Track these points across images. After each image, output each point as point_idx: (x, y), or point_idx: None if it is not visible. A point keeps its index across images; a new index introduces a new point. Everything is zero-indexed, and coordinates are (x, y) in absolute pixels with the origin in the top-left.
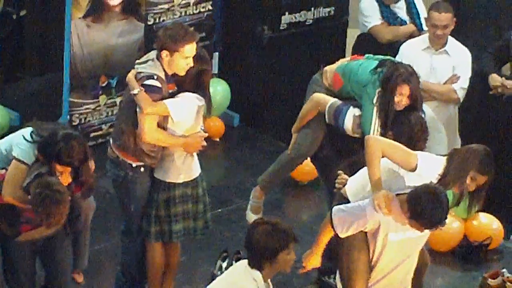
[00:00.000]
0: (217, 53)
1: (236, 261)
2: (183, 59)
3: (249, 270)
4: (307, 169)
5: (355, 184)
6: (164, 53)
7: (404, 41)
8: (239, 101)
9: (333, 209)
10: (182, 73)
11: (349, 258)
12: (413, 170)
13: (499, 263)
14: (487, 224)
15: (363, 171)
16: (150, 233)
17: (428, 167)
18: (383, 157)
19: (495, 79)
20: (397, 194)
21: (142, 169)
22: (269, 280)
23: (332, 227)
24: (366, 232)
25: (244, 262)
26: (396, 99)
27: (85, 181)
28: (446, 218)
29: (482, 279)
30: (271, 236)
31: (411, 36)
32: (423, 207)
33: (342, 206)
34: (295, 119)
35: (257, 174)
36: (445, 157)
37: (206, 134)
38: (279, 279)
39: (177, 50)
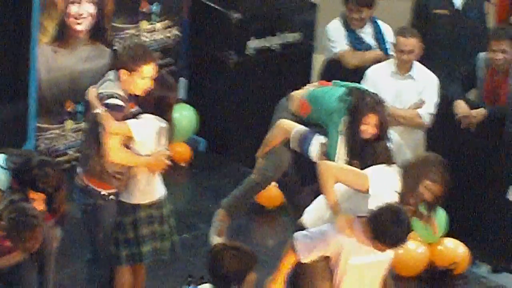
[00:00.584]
0: (183, 79)
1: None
2: (141, 79)
3: None
4: (273, 194)
5: (312, 215)
6: (123, 72)
7: (370, 66)
8: (206, 126)
9: (294, 235)
10: (139, 93)
11: (312, 287)
12: (367, 191)
13: None
14: (453, 249)
15: (319, 201)
16: (121, 257)
17: (382, 185)
18: (337, 182)
19: (460, 106)
20: (358, 217)
21: (111, 197)
22: None
23: (294, 252)
24: (328, 259)
25: (208, 286)
26: (362, 128)
27: (58, 209)
28: (407, 236)
29: None
30: (238, 260)
31: (378, 61)
32: (384, 226)
33: (304, 232)
34: (261, 144)
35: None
36: (400, 172)
37: (169, 153)
38: None
39: (135, 69)
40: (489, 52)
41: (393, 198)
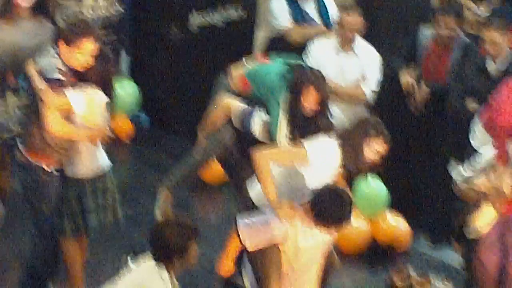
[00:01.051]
0: (126, 55)
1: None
2: (82, 55)
3: (156, 270)
4: (215, 170)
5: (256, 189)
6: (63, 46)
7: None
8: (149, 102)
9: (238, 221)
10: (80, 68)
11: (264, 270)
12: (308, 163)
13: (406, 263)
14: (395, 225)
15: None
16: (66, 230)
17: (322, 156)
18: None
19: (405, 76)
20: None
21: (55, 172)
22: (174, 279)
23: (240, 239)
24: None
25: (151, 261)
26: (304, 104)
27: (1, 185)
28: (350, 215)
29: (389, 280)
30: (180, 233)
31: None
32: (327, 208)
33: (247, 220)
34: (203, 120)
35: (166, 176)
36: (340, 141)
37: (111, 126)
38: (186, 280)
39: (75, 43)
40: (435, 26)
41: (335, 167)
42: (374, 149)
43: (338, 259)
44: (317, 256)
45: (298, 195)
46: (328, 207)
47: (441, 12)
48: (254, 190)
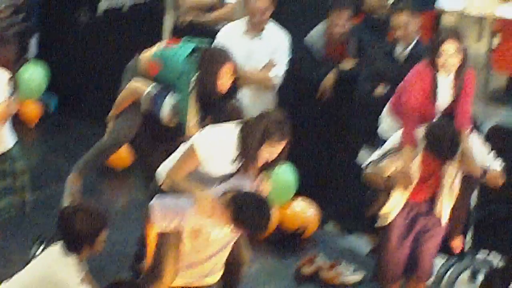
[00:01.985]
0: (35, 37)
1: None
2: None
3: (63, 256)
4: (123, 155)
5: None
6: None
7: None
8: (58, 84)
9: (153, 202)
10: None
11: (161, 253)
12: (200, 159)
13: (314, 250)
14: (302, 211)
15: (172, 158)
16: None
17: (214, 148)
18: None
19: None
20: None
21: None
22: (83, 262)
23: (150, 221)
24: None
25: (57, 247)
26: (220, 81)
27: None
28: (268, 223)
29: (297, 266)
30: (90, 220)
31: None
32: (248, 216)
33: (161, 200)
34: (112, 104)
35: (74, 160)
36: (240, 132)
37: (16, 104)
38: (94, 264)
39: None
40: (327, 23)
41: (228, 158)
42: (272, 150)
43: (248, 256)
44: (224, 246)
45: (206, 183)
46: (250, 216)
47: (336, 7)
48: (162, 175)
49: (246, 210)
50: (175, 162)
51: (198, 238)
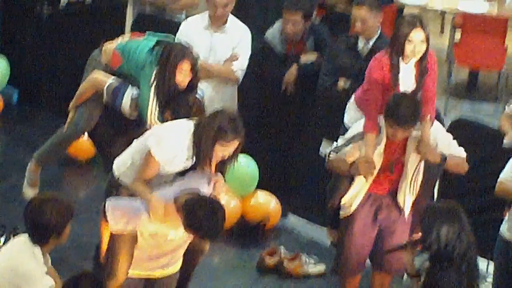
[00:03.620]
0: None
1: (13, 237)
2: None
3: (29, 246)
4: (85, 146)
5: (122, 167)
6: None
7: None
8: (19, 77)
9: (108, 202)
10: None
11: (113, 249)
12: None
13: (276, 241)
14: (265, 203)
15: (129, 151)
16: None
17: (169, 149)
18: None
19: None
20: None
21: None
22: (48, 255)
23: (106, 221)
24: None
25: (23, 237)
26: (178, 77)
27: None
28: (221, 230)
29: (259, 257)
30: (59, 211)
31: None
32: (199, 223)
33: (116, 202)
34: (73, 96)
35: (36, 151)
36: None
37: None
38: (57, 256)
39: None
40: (282, 22)
41: (184, 156)
42: (226, 149)
43: (207, 244)
44: (185, 242)
45: (161, 181)
46: (202, 221)
47: (288, 7)
48: (121, 169)
49: (198, 216)
50: (137, 173)
51: (155, 238)
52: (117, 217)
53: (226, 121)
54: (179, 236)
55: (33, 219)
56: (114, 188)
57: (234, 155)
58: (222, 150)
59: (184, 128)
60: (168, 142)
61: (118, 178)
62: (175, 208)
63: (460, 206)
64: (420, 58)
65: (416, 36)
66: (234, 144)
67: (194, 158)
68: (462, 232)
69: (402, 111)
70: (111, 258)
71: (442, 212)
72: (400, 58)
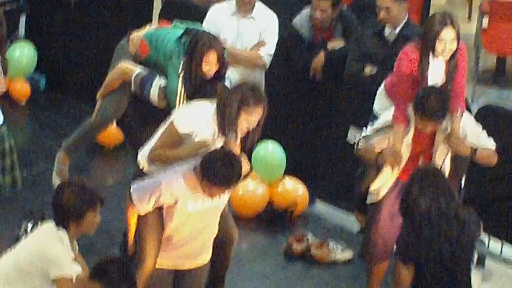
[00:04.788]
0: (23, 16)
1: (41, 223)
2: None
3: (55, 231)
4: (112, 133)
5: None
6: None
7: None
8: (46, 64)
9: (131, 187)
10: None
11: (141, 236)
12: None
13: (304, 228)
14: (292, 189)
15: (154, 138)
16: None
17: (195, 122)
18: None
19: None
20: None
21: None
22: (75, 241)
23: (132, 204)
24: (160, 209)
25: (50, 223)
26: (204, 68)
27: None
28: (238, 178)
29: (286, 244)
30: (79, 196)
31: None
32: (215, 167)
33: (139, 183)
34: (101, 83)
35: (63, 138)
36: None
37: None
38: (84, 243)
39: None
40: (311, 8)
41: (210, 131)
42: (250, 118)
43: (233, 221)
44: (207, 221)
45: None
46: (216, 166)
47: None
48: (143, 157)
49: (214, 163)
50: (156, 139)
51: (175, 214)
52: (140, 196)
53: (247, 90)
54: (198, 209)
55: (54, 200)
56: (141, 177)
57: (257, 128)
58: (246, 119)
59: (208, 104)
60: (190, 112)
61: (142, 169)
62: (194, 176)
63: (439, 170)
64: (452, 54)
65: (447, 35)
66: (258, 112)
67: (218, 134)
68: (431, 192)
69: (431, 104)
70: (139, 245)
71: (419, 175)
72: (436, 56)
